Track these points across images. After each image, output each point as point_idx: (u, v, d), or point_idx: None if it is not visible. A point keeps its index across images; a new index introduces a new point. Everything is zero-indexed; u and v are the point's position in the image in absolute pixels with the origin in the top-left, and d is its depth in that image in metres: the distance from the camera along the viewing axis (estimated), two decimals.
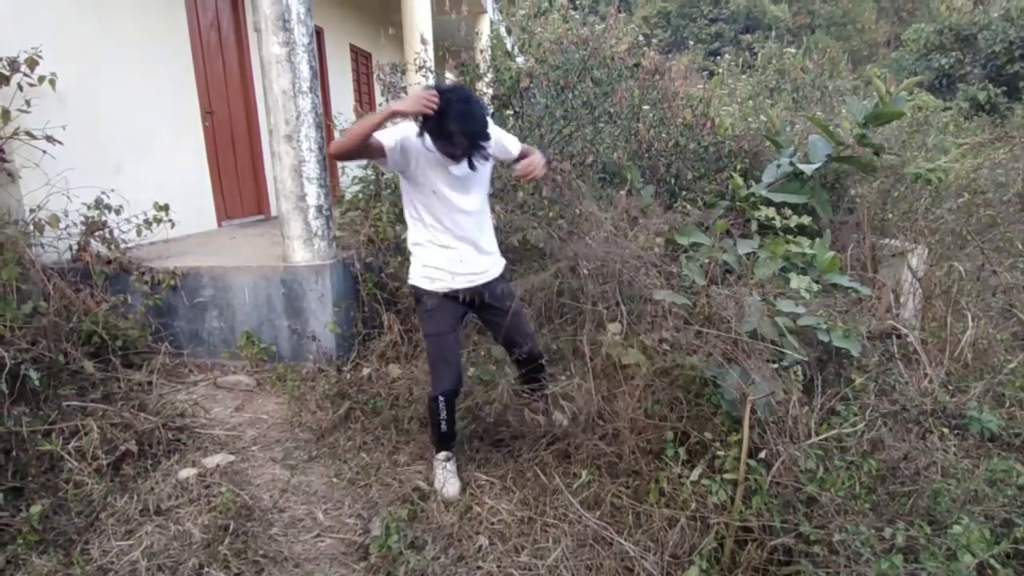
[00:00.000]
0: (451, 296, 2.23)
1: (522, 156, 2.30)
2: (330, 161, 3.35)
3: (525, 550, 1.98)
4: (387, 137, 2.01)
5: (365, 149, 1.98)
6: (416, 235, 2.23)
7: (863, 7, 30.40)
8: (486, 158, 2.03)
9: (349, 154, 1.99)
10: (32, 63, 3.15)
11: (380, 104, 4.55)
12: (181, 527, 2.08)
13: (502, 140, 2.23)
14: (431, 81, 4.18)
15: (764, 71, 9.19)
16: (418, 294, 2.28)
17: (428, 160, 2.07)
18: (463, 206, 2.15)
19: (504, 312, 2.29)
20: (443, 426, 2.29)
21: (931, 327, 3.00)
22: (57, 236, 3.29)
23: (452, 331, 2.25)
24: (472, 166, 2.00)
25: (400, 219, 3.17)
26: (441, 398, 2.23)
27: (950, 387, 2.53)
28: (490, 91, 4.13)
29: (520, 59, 4.54)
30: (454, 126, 1.89)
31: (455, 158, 1.97)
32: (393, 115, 1.90)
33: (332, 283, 3.24)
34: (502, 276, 2.35)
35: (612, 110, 3.99)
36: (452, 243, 2.18)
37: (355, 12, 7.99)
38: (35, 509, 1.99)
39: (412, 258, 2.27)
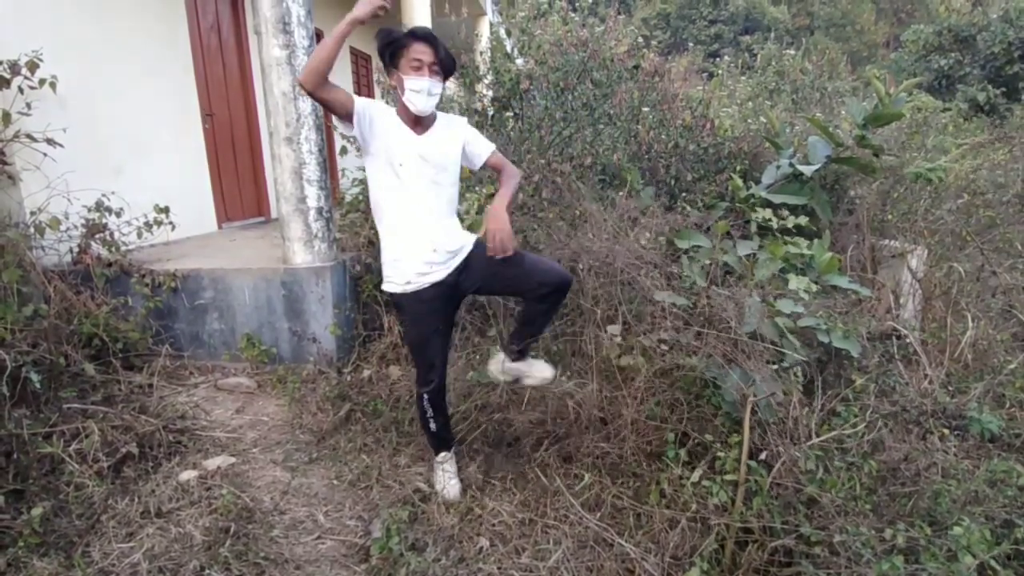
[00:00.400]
0: (433, 296, 2.10)
1: (495, 167, 2.19)
2: (330, 163, 3.35)
3: (526, 551, 1.99)
4: (360, 99, 1.97)
5: (335, 95, 1.90)
6: (384, 227, 2.11)
7: (862, 8, 30.46)
8: (450, 71, 1.99)
9: (320, 75, 1.85)
10: (33, 66, 3.16)
11: None
12: (182, 529, 2.08)
13: (474, 138, 2.15)
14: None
15: (763, 72, 9.21)
16: (396, 301, 2.17)
17: (397, 136, 1.99)
18: (430, 188, 2.04)
19: (511, 263, 2.06)
20: (433, 425, 2.27)
21: (931, 328, 3.01)
22: (58, 239, 3.29)
23: (436, 334, 2.16)
24: (441, 71, 1.95)
25: None
26: (425, 395, 2.21)
27: (950, 388, 2.53)
28: (490, 93, 4.14)
29: (520, 61, 4.55)
30: (415, 29, 1.93)
31: (419, 69, 1.92)
32: (354, 23, 1.88)
33: (332, 285, 3.25)
34: (478, 244, 2.16)
35: (612, 112, 4.00)
36: (418, 228, 2.05)
37: None
38: (36, 511, 1.99)
39: (383, 258, 2.15)
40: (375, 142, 2.00)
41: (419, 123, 2.04)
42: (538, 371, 2.33)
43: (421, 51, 1.91)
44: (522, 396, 2.62)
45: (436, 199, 2.06)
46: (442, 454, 2.35)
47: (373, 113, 1.98)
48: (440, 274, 2.10)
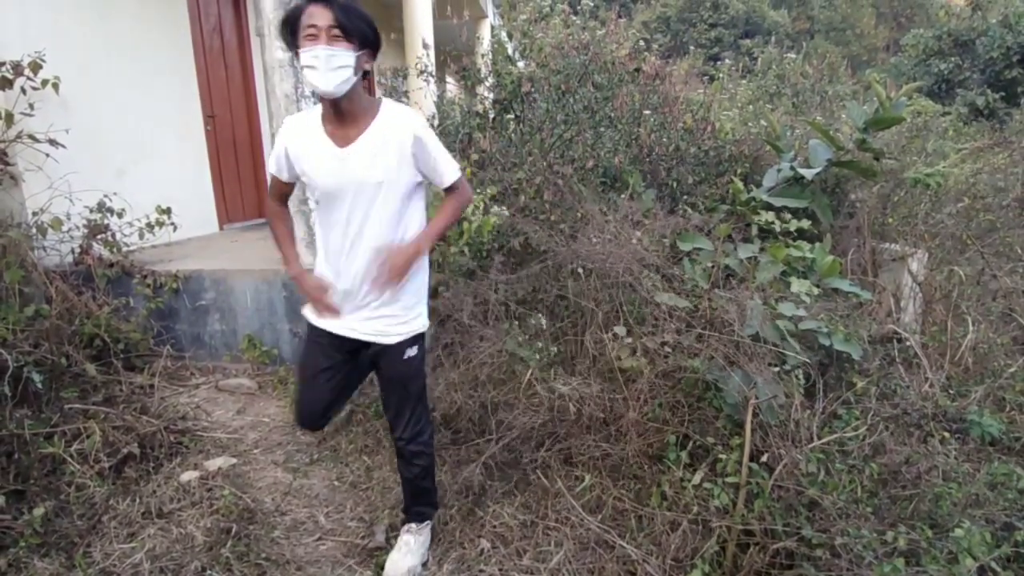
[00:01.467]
0: (322, 334, 1.79)
1: (452, 189, 1.75)
2: None
3: (527, 554, 1.99)
4: (275, 167, 1.75)
5: (285, 193, 1.85)
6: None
7: (862, 12, 30.55)
8: (365, 36, 1.53)
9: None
10: (35, 67, 3.17)
11: None
12: (183, 530, 2.08)
13: (428, 150, 1.66)
14: (432, 86, 4.20)
15: (764, 76, 9.21)
16: None
17: (310, 162, 1.65)
18: (346, 223, 1.65)
19: (392, 381, 1.84)
20: None
21: (932, 331, 3.01)
22: (59, 239, 3.29)
23: (316, 375, 1.82)
24: (345, 36, 1.48)
25: None
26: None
27: (951, 391, 2.53)
28: (491, 95, 4.15)
29: (521, 64, 4.56)
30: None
31: (314, 38, 1.47)
32: (290, 272, 1.86)
33: None
34: (406, 344, 1.77)
35: (613, 114, 4.00)
36: (331, 271, 1.75)
37: None
38: (37, 512, 1.99)
39: None
40: (301, 173, 1.72)
41: (342, 121, 1.60)
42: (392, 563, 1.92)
43: (314, 14, 1.47)
44: (523, 397, 2.61)
45: (359, 245, 1.67)
46: None
47: (287, 147, 1.69)
48: (334, 328, 1.77)
